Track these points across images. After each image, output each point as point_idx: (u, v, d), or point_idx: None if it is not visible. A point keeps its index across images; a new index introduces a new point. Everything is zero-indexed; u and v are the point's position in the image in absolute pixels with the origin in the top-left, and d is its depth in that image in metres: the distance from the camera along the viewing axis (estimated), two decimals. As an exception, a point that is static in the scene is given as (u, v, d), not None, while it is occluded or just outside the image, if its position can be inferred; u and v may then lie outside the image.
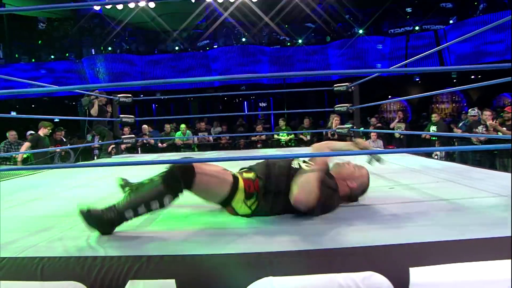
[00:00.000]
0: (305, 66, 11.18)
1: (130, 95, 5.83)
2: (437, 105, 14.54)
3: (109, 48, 11.72)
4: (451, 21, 10.44)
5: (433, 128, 6.79)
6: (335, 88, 5.71)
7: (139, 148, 7.98)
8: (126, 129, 7.57)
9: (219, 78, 1.93)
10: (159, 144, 7.92)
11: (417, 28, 11.39)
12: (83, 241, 1.37)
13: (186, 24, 9.63)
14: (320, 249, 1.22)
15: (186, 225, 1.59)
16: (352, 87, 5.62)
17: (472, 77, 12.59)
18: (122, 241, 1.37)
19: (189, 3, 10.05)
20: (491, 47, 9.54)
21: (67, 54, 13.07)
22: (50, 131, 6.02)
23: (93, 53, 11.62)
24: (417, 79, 12.55)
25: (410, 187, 2.18)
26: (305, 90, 7.68)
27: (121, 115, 5.72)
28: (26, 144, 5.75)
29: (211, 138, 8.11)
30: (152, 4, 9.00)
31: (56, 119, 13.02)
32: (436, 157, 6.34)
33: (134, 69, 11.19)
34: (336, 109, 5.74)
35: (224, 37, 12.86)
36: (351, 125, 5.71)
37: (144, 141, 7.80)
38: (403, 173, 2.74)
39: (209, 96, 15.29)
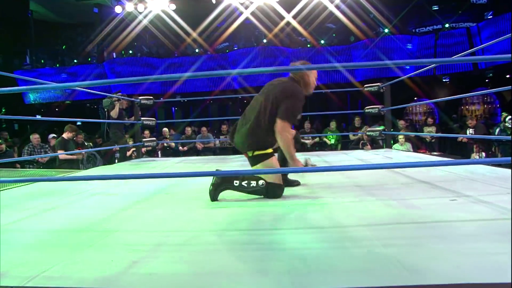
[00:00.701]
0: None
1: (151, 97, 5.70)
2: (467, 106, 13.79)
3: (130, 52, 11.79)
4: (487, 17, 9.81)
5: (470, 132, 6.32)
6: (366, 89, 5.38)
7: (159, 152, 7.86)
8: (147, 132, 7.46)
9: (221, 73, 1.66)
10: (180, 148, 7.76)
11: (447, 25, 10.82)
12: (104, 268, 1.14)
13: (206, 26, 9.50)
14: (397, 286, 0.94)
15: (228, 255, 1.33)
16: (384, 88, 5.28)
17: (508, 76, 11.86)
18: (152, 274, 1.12)
19: (209, 4, 9.93)
20: (531, 43, 8.92)
21: (89, 59, 13.25)
22: (75, 135, 5.96)
23: (114, 56, 11.72)
24: (445, 80, 11.94)
25: (478, 200, 1.85)
26: (329, 91, 7.32)
27: (142, 118, 5.60)
28: (61, 151, 5.69)
29: (232, 141, 7.87)
30: (173, 6, 8.94)
31: (78, 122, 13.18)
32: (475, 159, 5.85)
33: (154, 72, 11.18)
34: (366, 111, 5.40)
35: (244, 39, 12.69)
36: (382, 127, 5.36)
37: (165, 144, 7.67)
38: (460, 182, 2.40)
39: (229, 99, 15.18)
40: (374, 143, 7.01)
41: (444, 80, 11.83)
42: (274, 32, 10.14)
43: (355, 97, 13.19)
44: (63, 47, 13.70)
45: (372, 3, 9.44)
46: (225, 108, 16.06)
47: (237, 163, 4.24)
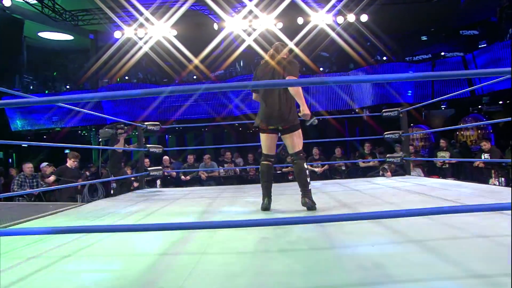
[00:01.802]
0: (328, 94, 10.79)
1: (158, 123, 5.35)
2: (462, 132, 13.93)
3: (126, 78, 11.46)
4: (481, 45, 10.15)
5: (485, 156, 6.16)
6: (384, 114, 5.20)
7: (158, 181, 7.36)
8: (147, 161, 7.01)
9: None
10: (182, 177, 7.31)
11: (442, 53, 11.10)
12: None
13: (207, 53, 9.36)
14: None
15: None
16: (402, 113, 5.11)
17: (500, 102, 12.11)
18: None
19: (211, 31, 9.87)
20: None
21: (80, 86, 12.86)
22: (77, 162, 5.54)
23: (109, 82, 11.37)
24: (443, 106, 12.07)
25: None
26: (336, 117, 7.13)
27: (147, 145, 5.20)
28: (52, 178, 5.24)
29: (237, 169, 7.49)
30: (174, 32, 8.80)
31: (66, 150, 12.51)
32: (494, 185, 5.65)
33: (152, 99, 10.87)
34: (386, 136, 5.18)
35: (242, 66, 12.65)
36: (403, 154, 5.12)
37: (165, 173, 7.20)
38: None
39: (224, 127, 14.91)
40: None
41: (442, 106, 11.98)
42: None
43: (354, 123, 13.15)
44: (54, 73, 13.30)
45: (370, 31, 9.59)
46: (221, 135, 15.73)
47: (257, 192, 3.86)
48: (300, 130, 2.69)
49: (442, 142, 7.14)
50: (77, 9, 9.70)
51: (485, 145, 6.30)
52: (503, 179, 5.84)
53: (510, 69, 1.42)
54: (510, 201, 1.20)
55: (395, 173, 5.37)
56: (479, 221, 1.92)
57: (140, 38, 8.69)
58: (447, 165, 6.90)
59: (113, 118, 4.95)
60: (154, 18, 8.35)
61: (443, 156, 6.89)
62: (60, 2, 9.28)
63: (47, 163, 6.53)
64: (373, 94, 10.64)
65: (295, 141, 2.65)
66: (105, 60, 10.04)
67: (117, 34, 9.02)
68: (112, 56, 9.70)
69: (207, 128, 15.47)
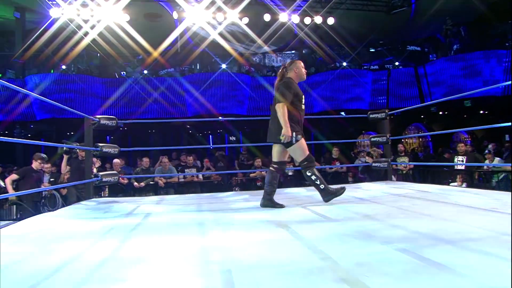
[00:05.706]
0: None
1: (114, 117, 4.36)
2: (406, 140, 14.82)
3: (63, 67, 9.68)
4: (431, 58, 10.82)
5: (459, 159, 6.25)
6: (371, 116, 4.93)
7: (106, 188, 6.20)
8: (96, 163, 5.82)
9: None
10: (135, 184, 6.25)
11: (396, 63, 11.63)
12: None
13: (165, 46, 8.34)
14: None
15: None
16: (388, 116, 4.90)
17: (440, 113, 13.04)
18: None
19: (164, 21, 8.92)
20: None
21: (0, 75, 10.73)
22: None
23: (37, 72, 9.54)
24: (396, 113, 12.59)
25: None
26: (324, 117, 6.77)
27: (100, 144, 4.17)
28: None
29: (200, 176, 6.65)
30: (127, 17, 7.60)
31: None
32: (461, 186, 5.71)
33: (93, 92, 9.40)
34: (372, 139, 4.91)
35: (196, 64, 11.80)
36: (389, 159, 4.88)
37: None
38: None
39: (173, 128, 13.85)
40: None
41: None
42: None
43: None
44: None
45: (337, 34, 9.55)
46: (169, 137, 14.54)
47: (241, 203, 3.19)
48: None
49: (401, 147, 7.19)
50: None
51: (462, 146, 6.35)
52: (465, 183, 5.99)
53: None
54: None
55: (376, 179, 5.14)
56: None
57: (85, 21, 7.34)
58: (410, 170, 6.99)
59: (77, 112, 3.89)
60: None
61: (403, 161, 6.92)
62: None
63: None
64: (331, 99, 10.67)
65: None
66: (38, 46, 8.39)
67: (53, 12, 7.48)
68: (49, 40, 8.13)
69: (154, 129, 14.19)
